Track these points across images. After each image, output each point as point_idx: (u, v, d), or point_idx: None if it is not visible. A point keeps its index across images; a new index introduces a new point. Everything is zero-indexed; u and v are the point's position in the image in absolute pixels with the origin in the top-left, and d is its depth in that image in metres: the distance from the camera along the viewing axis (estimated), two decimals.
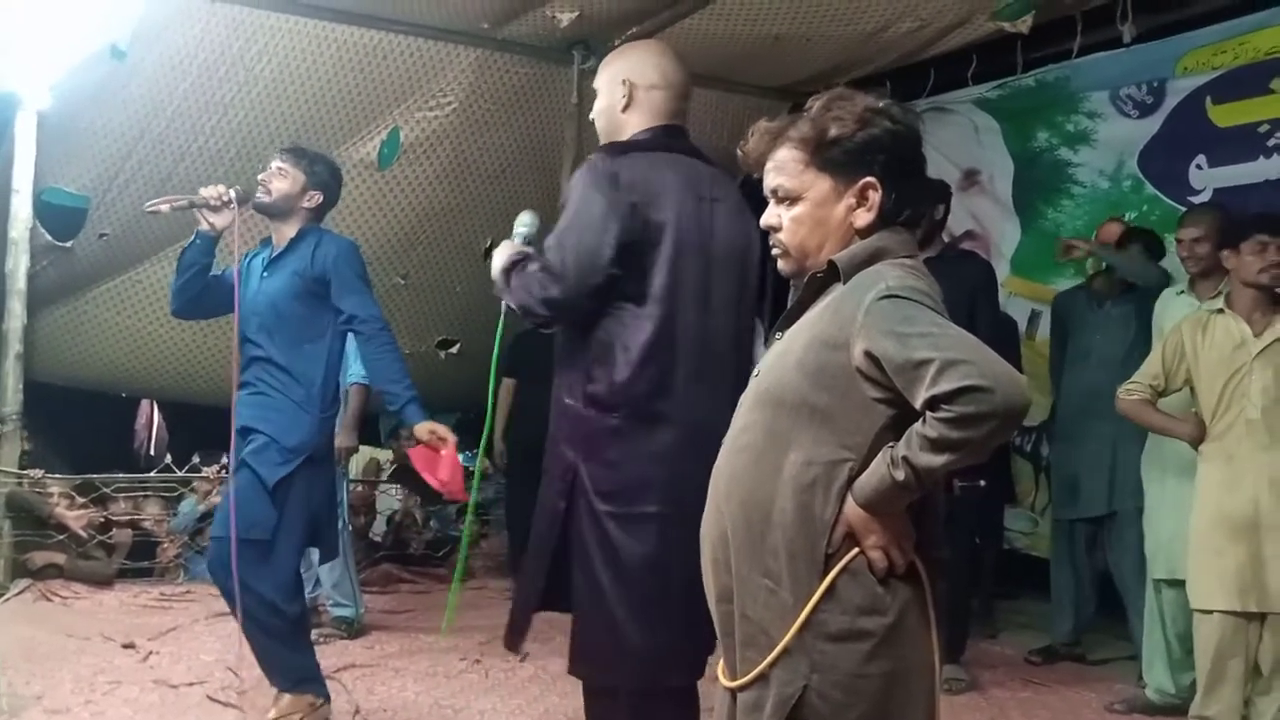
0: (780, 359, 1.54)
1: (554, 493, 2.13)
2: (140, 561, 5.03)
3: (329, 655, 3.53)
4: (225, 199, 2.85)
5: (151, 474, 5.25)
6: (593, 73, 5.18)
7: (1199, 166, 4.40)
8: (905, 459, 1.38)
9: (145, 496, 5.18)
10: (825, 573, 1.44)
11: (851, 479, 1.44)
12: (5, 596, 4.47)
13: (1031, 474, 4.94)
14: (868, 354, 1.42)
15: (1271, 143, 4.14)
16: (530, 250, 2.24)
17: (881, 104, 1.54)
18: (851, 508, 1.43)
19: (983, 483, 3.69)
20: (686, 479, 1.94)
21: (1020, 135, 5.17)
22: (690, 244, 2.13)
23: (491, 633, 4.12)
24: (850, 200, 1.53)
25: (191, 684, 3.47)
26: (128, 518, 5.06)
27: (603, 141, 2.26)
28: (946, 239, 4.17)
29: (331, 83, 4.71)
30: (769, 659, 1.47)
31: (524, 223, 2.40)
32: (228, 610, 3.43)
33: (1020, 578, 4.90)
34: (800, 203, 1.55)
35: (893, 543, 1.44)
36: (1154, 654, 3.52)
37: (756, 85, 5.64)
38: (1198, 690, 3.06)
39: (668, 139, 2.21)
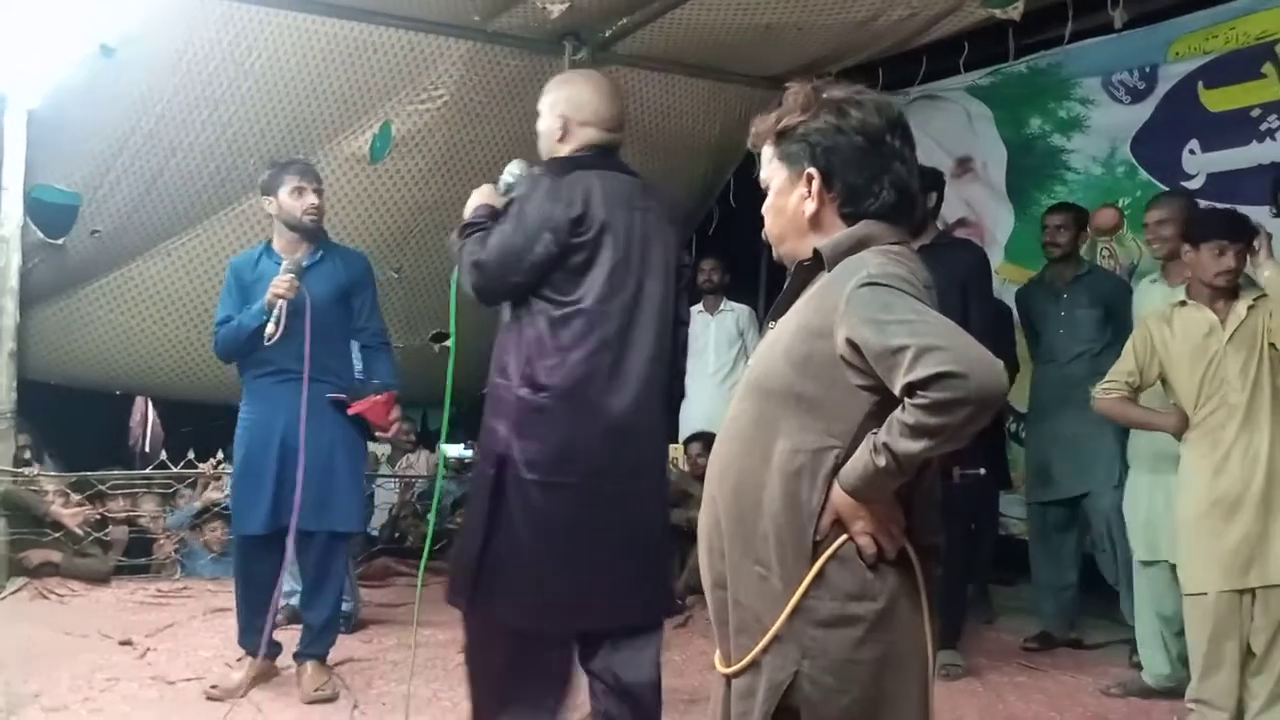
0: (770, 348, 1.56)
1: (487, 463, 2.43)
2: (136, 558, 5.03)
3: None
4: (295, 285, 3.18)
5: (147, 471, 5.25)
6: (584, 64, 5.23)
7: (1192, 152, 4.40)
8: (886, 445, 1.38)
9: (141, 493, 5.17)
10: (814, 559, 1.46)
11: (838, 466, 1.45)
12: (2, 595, 4.47)
13: (1025, 459, 4.95)
14: (849, 341, 1.43)
15: (1264, 127, 4.15)
16: (487, 221, 2.48)
17: (835, 94, 1.57)
18: (838, 494, 1.44)
19: (983, 470, 3.73)
20: (602, 457, 2.35)
21: (1013, 122, 5.17)
22: (621, 250, 2.40)
23: None
24: (801, 190, 1.57)
25: (189, 680, 3.47)
26: (124, 515, 5.05)
27: (543, 157, 2.57)
28: (940, 226, 4.18)
29: (322, 77, 4.70)
30: (760, 645, 1.48)
31: (512, 171, 2.63)
32: (225, 606, 3.44)
33: (1016, 563, 4.91)
34: (770, 193, 1.63)
35: (881, 529, 1.45)
36: (1147, 636, 3.54)
37: (748, 75, 5.62)
38: (1192, 674, 3.08)
39: (603, 158, 2.50)
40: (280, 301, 3.14)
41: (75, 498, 4.88)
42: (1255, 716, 2.97)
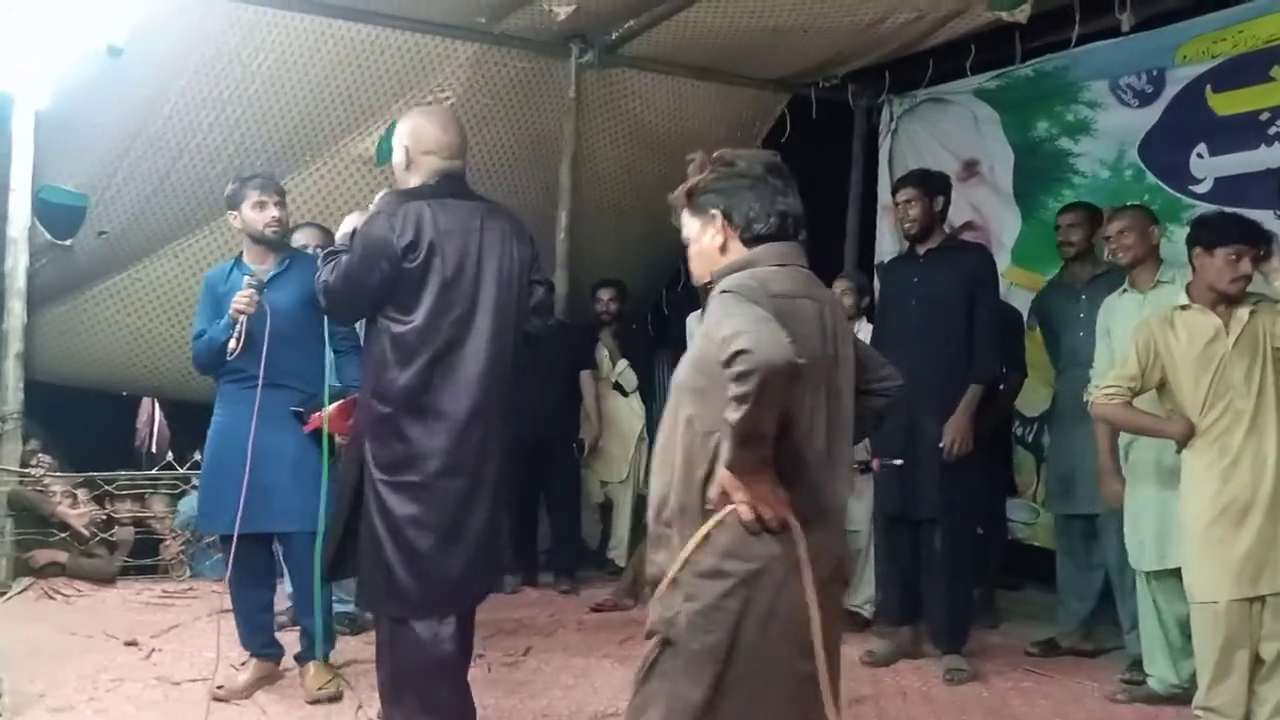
0: (687, 353, 1.93)
1: (352, 465, 2.74)
2: (142, 559, 5.03)
3: (332, 652, 3.53)
4: (254, 300, 3.25)
5: (153, 471, 5.26)
6: (591, 66, 5.24)
7: (1200, 155, 4.39)
8: (726, 420, 1.67)
9: (147, 494, 5.18)
10: (704, 523, 1.78)
11: (719, 445, 1.75)
12: (8, 595, 4.48)
13: (1033, 465, 4.94)
14: (709, 339, 1.76)
15: (1272, 131, 4.14)
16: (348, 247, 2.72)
17: (722, 153, 1.98)
18: (721, 470, 1.75)
19: (898, 461, 3.79)
20: (441, 457, 2.64)
21: (1020, 125, 5.16)
22: (452, 270, 2.65)
23: (493, 628, 4.13)
24: (711, 229, 1.96)
25: (194, 681, 3.47)
26: (130, 515, 5.06)
27: (398, 186, 2.82)
28: (947, 230, 4.17)
29: (329, 78, 4.71)
30: (660, 588, 1.84)
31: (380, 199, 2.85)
32: (230, 607, 3.46)
33: (1021, 568, 4.91)
34: (690, 244, 2.01)
35: (760, 500, 1.73)
36: (1153, 644, 3.52)
37: (755, 78, 5.63)
38: (1200, 681, 3.05)
39: (448, 185, 2.74)
40: (241, 316, 3.24)
41: (82, 498, 4.89)
42: None
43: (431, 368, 2.64)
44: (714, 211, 1.95)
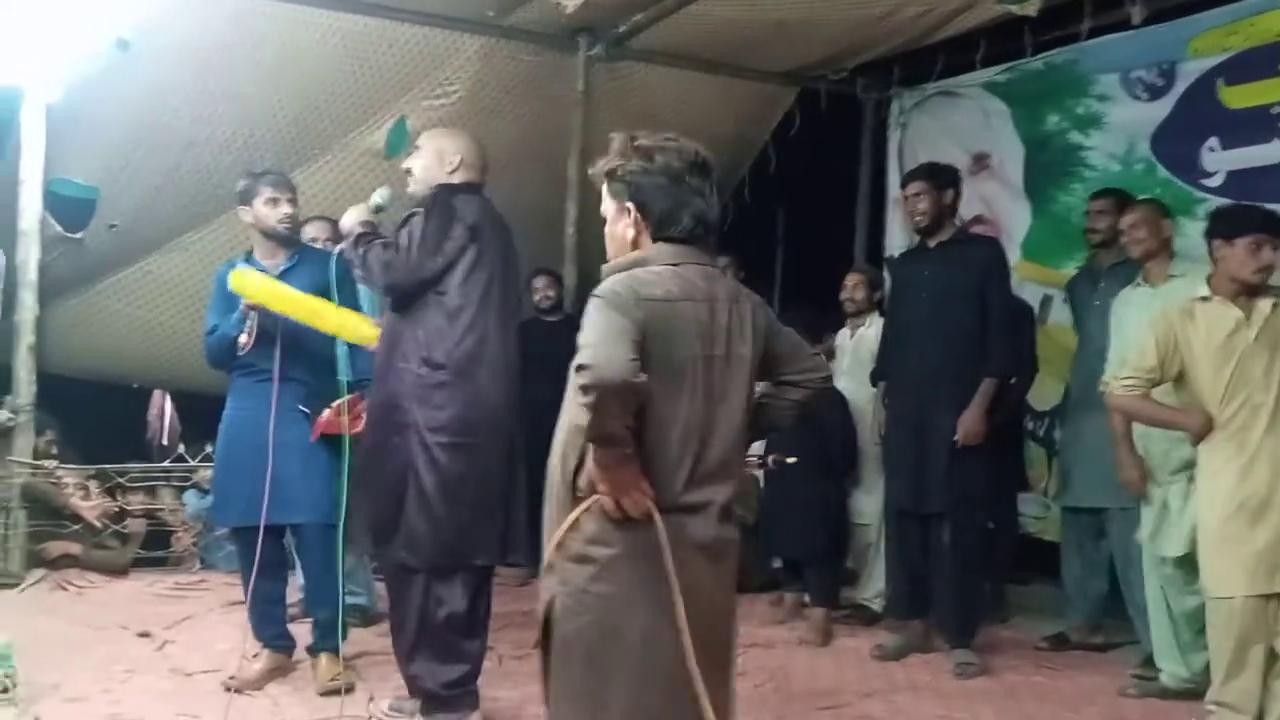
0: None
1: (391, 434, 2.97)
2: (155, 551, 5.06)
3: (343, 644, 3.55)
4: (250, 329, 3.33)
5: (165, 464, 5.28)
6: (599, 60, 5.22)
7: (1211, 149, 4.37)
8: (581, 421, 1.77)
9: (159, 486, 5.20)
10: (574, 509, 1.87)
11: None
12: (21, 586, 4.50)
13: (1044, 459, 4.93)
14: None
15: None
16: (377, 226, 3.09)
17: (644, 143, 1.95)
18: (587, 463, 1.84)
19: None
20: (487, 419, 2.96)
21: (1030, 119, 5.14)
22: (494, 260, 3.02)
23: (504, 620, 4.14)
24: (625, 219, 1.97)
25: (206, 672, 3.49)
26: (142, 507, 5.08)
27: (428, 185, 3.10)
28: (957, 224, 4.15)
29: (338, 72, 4.71)
30: (541, 571, 1.94)
31: (383, 194, 3.19)
32: (242, 599, 3.48)
33: (1032, 563, 4.90)
34: (607, 221, 2.02)
35: (622, 492, 1.81)
36: (1163, 638, 3.51)
37: (762, 71, 5.62)
38: (1214, 676, 3.04)
39: (477, 189, 3.13)
40: (252, 312, 3.29)
41: (94, 490, 4.91)
42: (1277, 719, 2.94)
43: (483, 341, 2.98)
44: (629, 204, 1.96)
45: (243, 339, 3.31)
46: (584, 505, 1.86)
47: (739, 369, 1.94)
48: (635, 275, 1.88)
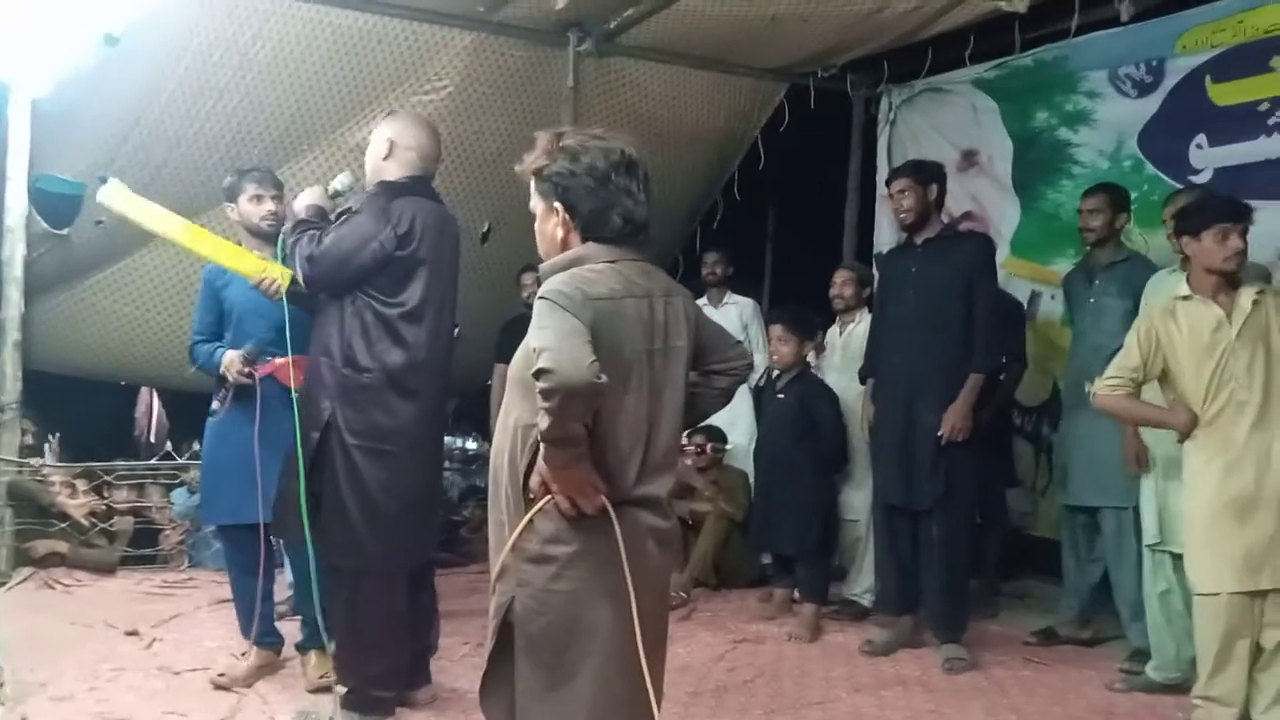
0: (520, 348, 1.92)
1: (310, 429, 2.92)
2: (142, 549, 5.04)
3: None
4: (242, 374, 3.32)
5: (152, 461, 5.26)
6: (589, 55, 5.21)
7: (1199, 146, 4.39)
8: (537, 424, 1.76)
9: (147, 484, 5.18)
10: (527, 511, 1.86)
11: (539, 441, 1.80)
12: (8, 585, 4.48)
13: (1032, 455, 4.96)
14: None
15: (1272, 121, 4.14)
16: (329, 212, 3.02)
17: (569, 142, 1.94)
18: (539, 463, 1.83)
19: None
20: (414, 430, 2.94)
21: (1019, 115, 5.16)
22: (434, 262, 2.96)
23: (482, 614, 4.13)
24: (554, 219, 1.96)
25: (195, 670, 3.48)
26: (129, 505, 5.06)
27: (370, 178, 3.06)
28: (945, 220, 4.16)
29: (327, 67, 4.69)
30: (494, 575, 1.93)
31: (343, 180, 3.16)
32: (230, 597, 3.47)
33: (1020, 558, 4.92)
34: (536, 219, 2.00)
35: (577, 490, 1.81)
36: (1162, 639, 3.52)
37: (753, 67, 5.62)
38: (1200, 671, 3.05)
39: (424, 185, 3.04)
40: (240, 377, 3.30)
41: (81, 488, 4.89)
42: (1262, 713, 2.96)
43: (418, 349, 2.93)
44: (556, 204, 1.94)
45: (215, 405, 3.40)
46: (539, 505, 1.85)
47: (676, 361, 1.98)
48: (578, 274, 1.87)
